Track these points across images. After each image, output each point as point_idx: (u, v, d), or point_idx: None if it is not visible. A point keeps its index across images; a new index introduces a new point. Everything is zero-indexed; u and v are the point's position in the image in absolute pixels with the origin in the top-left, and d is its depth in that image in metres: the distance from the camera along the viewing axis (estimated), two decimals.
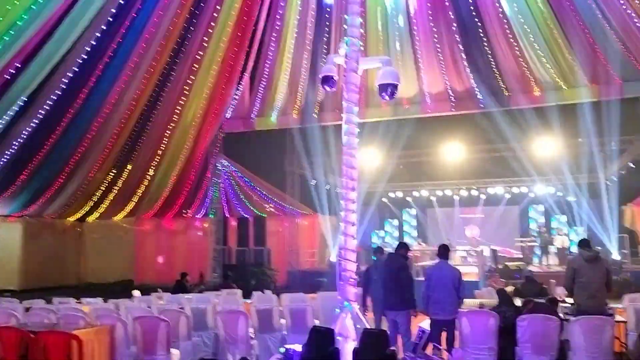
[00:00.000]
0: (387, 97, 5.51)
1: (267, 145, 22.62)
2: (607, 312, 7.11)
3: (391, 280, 7.56)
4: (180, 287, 14.01)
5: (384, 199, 27.88)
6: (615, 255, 20.26)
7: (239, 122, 19.55)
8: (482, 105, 17.23)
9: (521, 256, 22.31)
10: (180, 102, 15.54)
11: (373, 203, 28.00)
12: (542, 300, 7.68)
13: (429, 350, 7.27)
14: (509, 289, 13.71)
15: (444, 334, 7.37)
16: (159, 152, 16.98)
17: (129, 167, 17.88)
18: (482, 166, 25.10)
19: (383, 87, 5.50)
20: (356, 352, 4.40)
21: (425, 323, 7.68)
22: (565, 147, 22.12)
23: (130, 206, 21.34)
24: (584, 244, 7.53)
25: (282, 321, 8.64)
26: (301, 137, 22.87)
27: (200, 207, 24.09)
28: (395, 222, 28.50)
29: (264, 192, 23.01)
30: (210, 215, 24.82)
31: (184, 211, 23.73)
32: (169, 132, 16.20)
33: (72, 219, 21.76)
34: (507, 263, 16.91)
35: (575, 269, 7.25)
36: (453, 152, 23.07)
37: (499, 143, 23.07)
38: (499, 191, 26.91)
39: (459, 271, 7.48)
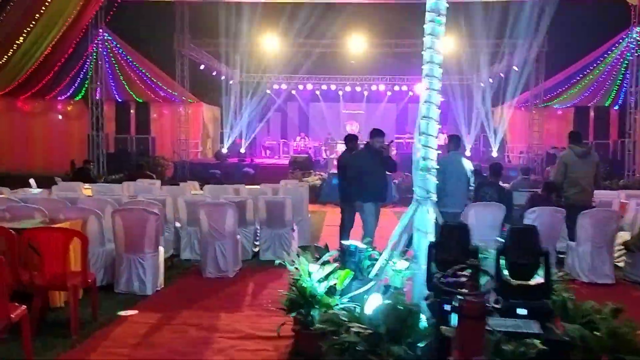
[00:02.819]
0: None
1: (155, 21, 20.05)
2: (592, 206, 7.35)
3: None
4: (82, 176, 12.16)
5: (268, 91, 26.87)
6: (494, 153, 21.88)
7: None
8: None
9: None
10: None
11: (258, 94, 26.98)
12: (537, 191, 7.78)
13: None
14: None
15: None
16: (36, 16, 14.00)
17: None
18: (372, 62, 25.01)
19: None
20: (435, 247, 3.89)
21: None
22: (456, 47, 22.68)
23: None
24: (575, 138, 7.55)
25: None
26: (195, 15, 20.66)
27: (68, 87, 21.12)
28: (278, 115, 27.77)
29: (148, 75, 20.70)
30: (76, 98, 22.01)
31: (49, 91, 20.67)
32: None
33: None
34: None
35: (567, 163, 7.31)
36: (352, 45, 22.46)
37: (393, 39, 23.04)
38: (381, 88, 27.26)
39: (471, 163, 7.15)
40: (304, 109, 28.03)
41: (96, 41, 17.29)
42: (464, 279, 2.68)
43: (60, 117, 22.97)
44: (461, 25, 21.45)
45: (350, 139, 7.90)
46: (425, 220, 4.63)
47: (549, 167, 16.93)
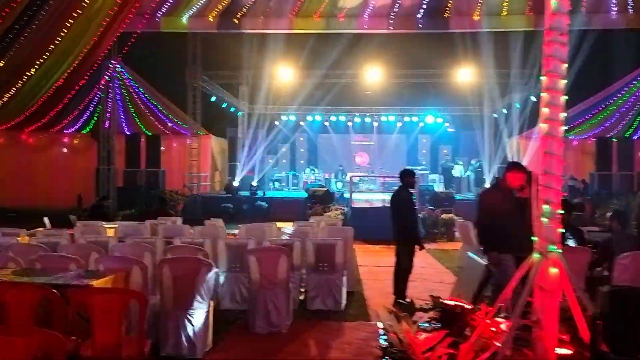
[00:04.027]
0: None
1: (166, 53, 19.61)
2: None
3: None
4: (99, 213, 11.45)
5: (276, 122, 26.42)
6: None
7: (140, 20, 16.24)
8: (420, 26, 16.21)
9: None
10: None
11: (267, 125, 26.54)
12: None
13: None
14: None
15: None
16: (50, 47, 13.45)
17: (1, 63, 14.04)
18: (383, 93, 24.59)
19: None
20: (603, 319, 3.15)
21: None
22: (471, 77, 22.33)
23: None
24: None
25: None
26: (207, 47, 20.28)
27: (75, 120, 20.53)
28: (287, 146, 27.15)
29: (160, 108, 20.14)
30: (84, 131, 21.43)
31: (55, 123, 20.06)
32: (70, 23, 12.75)
33: None
34: (436, 190, 16.63)
35: None
36: (366, 76, 22.07)
37: (407, 69, 22.71)
38: (391, 119, 26.82)
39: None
40: (313, 140, 27.48)
41: (108, 73, 16.75)
42: None
43: (65, 150, 22.36)
44: (478, 55, 21.16)
45: (407, 174, 7.22)
46: (551, 277, 3.94)
47: (575, 199, 16.35)
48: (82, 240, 6.82)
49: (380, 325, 5.83)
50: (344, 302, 6.98)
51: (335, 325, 6.20)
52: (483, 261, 6.85)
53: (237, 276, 6.79)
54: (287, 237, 7.43)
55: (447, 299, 4.16)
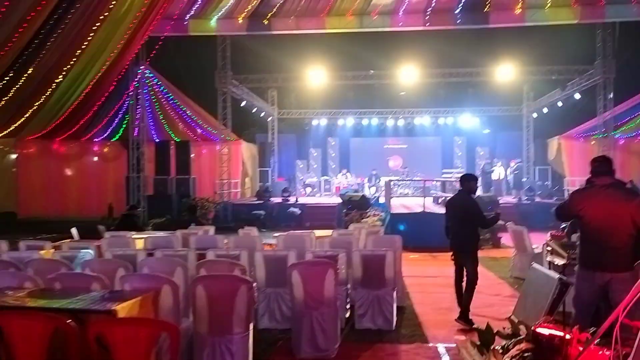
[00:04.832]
0: None
1: (195, 57, 19.24)
2: None
3: None
4: (129, 223, 10.95)
5: (306, 128, 25.92)
6: None
7: (168, 23, 15.88)
8: (458, 21, 15.47)
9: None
10: None
11: (298, 130, 26.09)
12: None
13: None
14: None
15: None
16: (77, 52, 13.10)
17: (30, 70, 13.76)
18: (417, 94, 23.82)
19: None
20: None
21: None
22: (511, 76, 21.41)
23: (17, 122, 16.96)
24: None
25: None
26: (236, 51, 19.82)
27: (105, 128, 20.26)
28: (318, 151, 26.45)
29: (189, 114, 19.73)
30: (113, 139, 21.15)
31: (85, 132, 19.83)
32: (96, 27, 12.35)
33: None
34: (478, 194, 15.68)
35: None
36: (401, 76, 21.34)
37: (442, 68, 21.95)
38: (425, 121, 26.00)
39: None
40: (345, 144, 26.76)
41: (137, 79, 16.40)
42: None
43: (96, 159, 22.15)
44: (518, 51, 20.27)
45: (469, 179, 6.54)
46: None
47: None
48: (109, 254, 6.26)
49: (441, 349, 5.16)
50: (394, 320, 6.28)
51: (389, 349, 5.49)
52: (554, 275, 6.07)
53: (277, 292, 6.16)
54: (331, 249, 6.73)
55: (539, 326, 3.43)
